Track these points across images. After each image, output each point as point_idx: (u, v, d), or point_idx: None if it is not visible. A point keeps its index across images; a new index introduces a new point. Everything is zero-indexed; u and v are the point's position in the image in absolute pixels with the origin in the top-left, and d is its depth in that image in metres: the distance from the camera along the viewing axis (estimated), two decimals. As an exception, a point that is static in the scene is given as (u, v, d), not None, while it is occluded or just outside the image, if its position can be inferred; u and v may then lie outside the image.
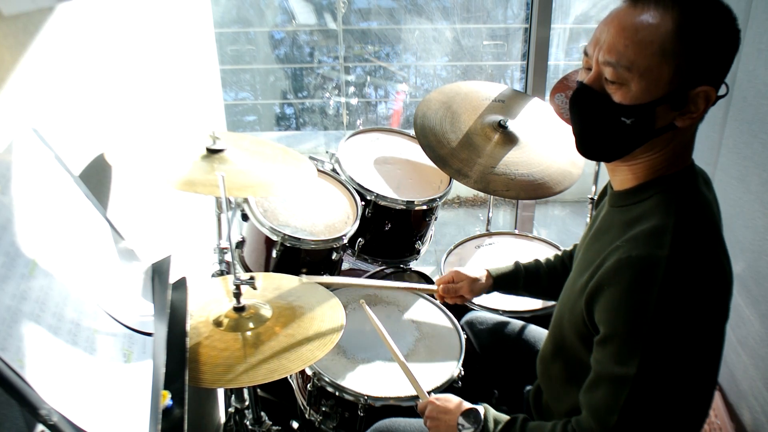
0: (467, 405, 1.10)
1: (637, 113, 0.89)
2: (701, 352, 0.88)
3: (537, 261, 1.43)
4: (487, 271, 1.44)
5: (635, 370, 0.86)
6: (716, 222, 0.94)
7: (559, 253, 1.42)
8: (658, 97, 0.88)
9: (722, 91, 0.91)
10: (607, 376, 0.90)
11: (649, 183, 0.96)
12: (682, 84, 0.87)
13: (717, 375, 0.94)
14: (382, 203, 1.82)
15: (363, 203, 1.82)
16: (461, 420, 1.07)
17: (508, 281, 1.42)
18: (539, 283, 1.40)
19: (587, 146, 1.00)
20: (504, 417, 1.05)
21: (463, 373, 1.42)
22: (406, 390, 1.31)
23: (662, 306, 0.84)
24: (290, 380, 1.55)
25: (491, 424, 1.04)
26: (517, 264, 1.43)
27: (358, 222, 1.75)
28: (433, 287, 1.51)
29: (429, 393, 1.21)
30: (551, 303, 1.69)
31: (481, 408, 1.08)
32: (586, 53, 0.94)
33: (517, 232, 2.12)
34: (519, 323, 1.54)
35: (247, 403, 1.44)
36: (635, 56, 0.86)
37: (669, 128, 0.91)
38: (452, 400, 1.13)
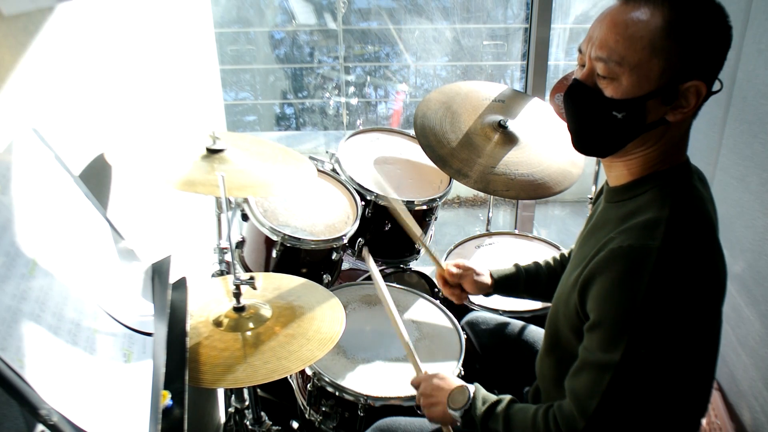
0: (459, 383, 1.12)
1: (628, 107, 0.90)
2: (690, 346, 0.88)
3: (537, 263, 1.42)
4: (489, 272, 1.44)
5: (619, 357, 0.86)
6: (710, 218, 0.95)
7: (557, 256, 1.42)
8: (648, 91, 0.89)
9: (716, 87, 0.92)
10: (592, 362, 0.91)
11: (644, 178, 0.97)
12: (672, 79, 0.88)
13: (712, 372, 0.94)
14: (382, 203, 1.82)
15: (363, 203, 1.82)
16: (452, 397, 1.10)
17: (509, 284, 1.42)
18: (539, 285, 1.40)
19: (582, 142, 1.01)
20: (492, 396, 1.07)
21: (463, 373, 1.42)
22: (406, 390, 1.31)
23: (651, 295, 0.84)
24: (290, 380, 1.55)
25: (479, 402, 1.06)
26: (517, 266, 1.43)
27: (358, 222, 1.75)
28: (441, 264, 1.45)
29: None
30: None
31: (471, 387, 1.10)
32: (580, 51, 0.96)
33: (517, 232, 2.12)
34: (519, 324, 1.55)
35: (247, 403, 1.44)
36: (625, 51, 0.88)
37: (660, 123, 0.92)
38: (446, 378, 1.15)
